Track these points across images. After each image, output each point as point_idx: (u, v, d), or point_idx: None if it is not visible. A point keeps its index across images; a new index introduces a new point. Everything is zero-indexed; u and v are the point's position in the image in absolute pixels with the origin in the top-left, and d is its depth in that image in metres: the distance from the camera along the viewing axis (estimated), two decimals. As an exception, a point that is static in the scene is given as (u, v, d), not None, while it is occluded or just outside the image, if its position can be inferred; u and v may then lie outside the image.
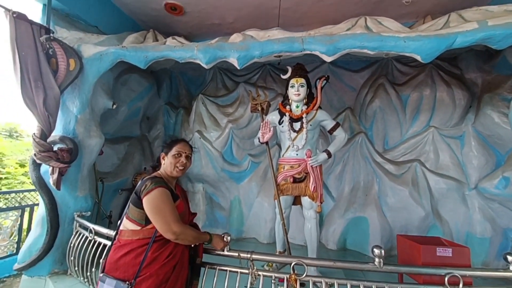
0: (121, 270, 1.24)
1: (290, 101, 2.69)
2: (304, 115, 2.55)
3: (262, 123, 2.66)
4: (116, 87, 3.34)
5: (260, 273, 1.63)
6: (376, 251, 1.53)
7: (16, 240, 3.28)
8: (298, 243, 3.59)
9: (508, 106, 2.52)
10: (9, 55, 2.16)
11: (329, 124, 2.60)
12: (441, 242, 1.78)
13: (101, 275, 1.28)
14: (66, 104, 2.55)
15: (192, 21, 3.65)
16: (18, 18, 2.20)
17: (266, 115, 2.85)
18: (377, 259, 1.52)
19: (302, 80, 2.58)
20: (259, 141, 2.72)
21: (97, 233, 2.19)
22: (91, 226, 2.24)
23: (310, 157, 2.49)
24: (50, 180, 2.37)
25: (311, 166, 2.47)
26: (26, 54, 2.22)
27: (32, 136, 2.24)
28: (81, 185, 2.60)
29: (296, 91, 2.56)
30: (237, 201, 3.97)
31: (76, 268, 2.27)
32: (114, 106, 2.97)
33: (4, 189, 7.29)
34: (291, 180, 2.55)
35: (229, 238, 1.66)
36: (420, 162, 3.36)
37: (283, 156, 2.69)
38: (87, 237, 2.27)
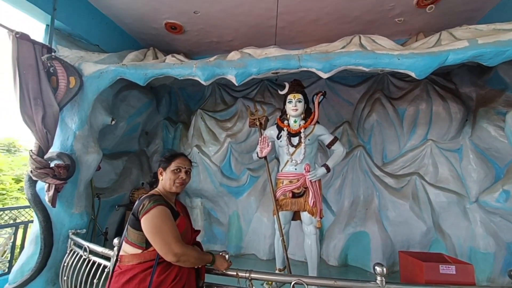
0: None
1: (288, 116, 2.71)
2: (302, 130, 2.57)
3: (260, 138, 2.67)
4: (115, 103, 3.38)
5: (259, 294, 1.57)
6: (378, 269, 1.49)
7: (8, 259, 3.18)
8: (298, 259, 3.51)
9: (504, 119, 2.56)
10: (9, 73, 2.19)
11: (327, 138, 2.61)
12: (444, 259, 1.74)
13: None
14: (64, 121, 2.56)
15: (192, 39, 3.76)
16: (20, 38, 2.25)
17: (264, 129, 2.87)
18: (379, 278, 1.48)
19: (300, 96, 2.62)
20: (257, 155, 2.72)
21: (92, 252, 2.13)
22: (86, 244, 2.19)
23: (309, 171, 2.48)
24: (46, 197, 2.34)
25: (310, 180, 2.46)
26: (27, 72, 2.26)
27: (29, 153, 2.24)
28: (77, 201, 2.57)
29: (294, 106, 2.60)
30: (236, 216, 3.91)
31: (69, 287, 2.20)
32: (113, 122, 2.98)
33: (-2, 205, 7.18)
34: (290, 195, 2.53)
35: (227, 256, 1.62)
36: (420, 175, 3.35)
37: (281, 170, 2.68)
38: (81, 256, 2.21)
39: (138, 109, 3.73)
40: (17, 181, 9.00)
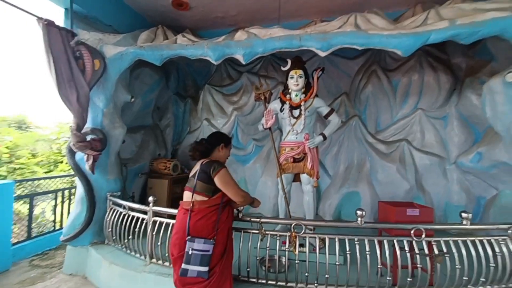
0: (204, 231, 1.66)
1: (290, 90, 3.02)
2: (302, 103, 2.90)
3: (265, 111, 3.01)
4: (130, 81, 3.66)
5: (267, 232, 2.07)
6: (359, 212, 1.95)
7: (53, 219, 3.76)
8: (297, 216, 4.06)
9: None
10: (42, 59, 2.47)
11: (324, 110, 2.95)
12: (412, 205, 2.19)
13: (188, 237, 1.65)
14: (93, 100, 2.89)
15: (197, 15, 3.89)
16: (49, 25, 2.49)
17: (268, 103, 3.19)
18: (359, 219, 1.95)
19: (301, 72, 2.91)
20: (263, 127, 3.08)
21: (131, 209, 2.63)
22: (125, 203, 2.68)
23: (308, 140, 2.86)
24: (86, 166, 2.78)
25: (309, 147, 2.86)
26: (58, 57, 2.53)
27: (70, 129, 2.62)
28: (110, 169, 3.02)
29: (295, 81, 2.89)
30: (243, 181, 4.39)
31: (114, 237, 2.74)
32: (132, 100, 3.31)
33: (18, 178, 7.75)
34: (292, 160, 2.94)
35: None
36: (408, 141, 3.74)
37: (284, 139, 3.07)
38: (121, 213, 2.72)
39: (150, 86, 4.02)
40: (33, 156, 9.55)
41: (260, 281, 2.08)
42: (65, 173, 6.15)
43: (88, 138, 2.77)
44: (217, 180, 1.71)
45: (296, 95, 2.97)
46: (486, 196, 3.23)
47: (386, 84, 3.85)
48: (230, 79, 4.40)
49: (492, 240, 1.93)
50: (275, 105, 3.10)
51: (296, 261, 2.00)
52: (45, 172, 7.64)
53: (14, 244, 3.15)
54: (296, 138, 2.93)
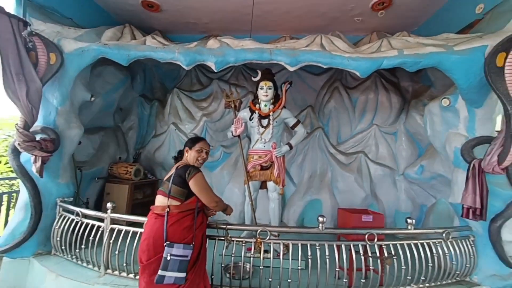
0: (176, 236, 1.62)
1: (259, 100, 3.12)
2: (271, 113, 3.01)
3: (235, 119, 3.06)
4: (91, 78, 3.42)
5: (233, 239, 2.08)
6: (320, 218, 2.07)
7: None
8: (263, 222, 4.13)
9: (426, 110, 3.29)
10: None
11: (291, 121, 3.10)
12: (367, 212, 2.41)
13: (167, 243, 1.59)
14: (45, 96, 2.63)
15: (168, 19, 3.84)
16: (-3, 11, 2.24)
17: (238, 111, 3.25)
18: (320, 225, 2.07)
19: (270, 83, 3.03)
20: (232, 134, 3.12)
21: (85, 215, 2.43)
22: (78, 209, 2.46)
23: (275, 148, 2.97)
24: (33, 168, 2.49)
25: (276, 156, 2.96)
26: (6, 47, 2.28)
27: (16, 127, 2.34)
28: (63, 173, 2.75)
29: (265, 92, 3.01)
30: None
31: (63, 247, 2.48)
32: (93, 99, 3.10)
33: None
34: (259, 168, 3.02)
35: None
36: (364, 154, 4.09)
37: (252, 147, 3.14)
38: (73, 220, 2.49)
39: (114, 86, 3.80)
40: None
41: (223, 288, 2.07)
42: (2, 175, 5.39)
43: (38, 137, 2.51)
44: (191, 184, 1.69)
45: (265, 105, 3.08)
46: (427, 204, 3.67)
47: (346, 100, 4.19)
48: (200, 85, 4.38)
49: (431, 243, 2.21)
50: (244, 113, 3.17)
51: (261, 267, 2.04)
52: (-23, 175, 6.58)
53: None
54: (264, 146, 3.02)
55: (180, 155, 1.95)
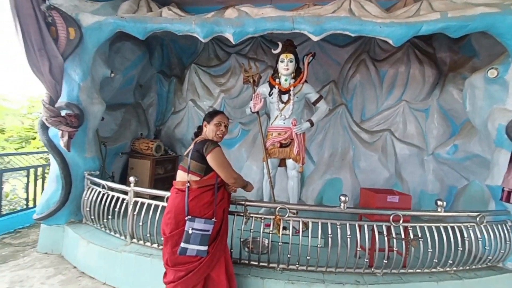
0: (196, 211, 1.62)
1: (279, 74, 2.96)
2: (291, 88, 2.85)
3: (253, 94, 2.94)
4: (110, 54, 3.42)
5: (252, 215, 2.08)
6: (342, 198, 1.99)
7: (25, 197, 3.56)
8: (281, 200, 4.14)
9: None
10: (10, 25, 2.22)
11: (313, 97, 2.93)
12: (393, 192, 2.28)
13: (188, 217, 1.60)
14: (68, 72, 2.66)
15: (185, -12, 3.63)
16: (15, -16, 2.22)
17: (257, 87, 3.12)
18: (342, 204, 2.00)
19: (291, 56, 2.84)
20: (250, 110, 3.03)
21: (111, 188, 2.53)
22: (104, 182, 2.57)
23: (295, 125, 2.85)
24: (61, 143, 2.60)
25: (296, 133, 2.85)
26: (28, 22, 2.29)
27: (42, 103, 2.42)
28: (88, 147, 2.86)
29: (285, 66, 2.83)
30: (228, 165, 4.37)
31: (92, 217, 2.65)
32: (113, 75, 3.10)
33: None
34: (278, 145, 2.94)
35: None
36: (390, 132, 3.85)
37: (271, 124, 3.04)
38: (100, 192, 2.61)
39: (132, 62, 3.78)
40: (1, 131, 8.83)
41: (242, 261, 2.11)
42: (39, 150, 5.80)
43: (63, 113, 2.58)
44: (209, 159, 1.64)
45: (286, 80, 2.92)
46: (458, 186, 3.44)
47: (374, 74, 3.88)
48: (218, 60, 4.24)
49: (462, 226, 2.07)
50: (263, 89, 3.04)
51: (279, 243, 2.04)
52: (16, 149, 7.14)
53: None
54: (284, 123, 2.91)
55: (199, 130, 1.91)
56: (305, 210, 2.16)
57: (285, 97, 2.90)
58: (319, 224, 2.03)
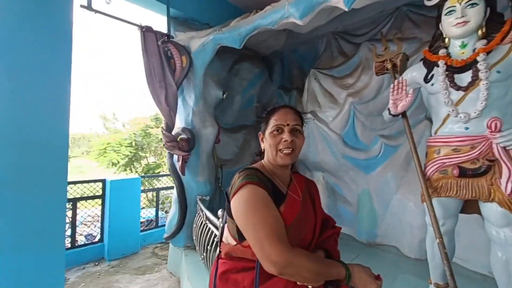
0: None
1: (446, 39, 1.60)
2: (480, 56, 1.41)
3: (393, 85, 1.75)
4: (230, 78, 3.45)
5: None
6: None
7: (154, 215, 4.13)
8: (474, 269, 2.30)
9: None
10: (141, 64, 2.58)
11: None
12: None
13: None
14: (185, 99, 2.82)
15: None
16: (146, 31, 2.59)
17: (400, 74, 1.88)
18: None
19: (471, -5, 1.44)
20: (389, 113, 1.83)
21: (208, 218, 2.24)
22: (204, 210, 2.32)
23: (500, 130, 1.34)
24: (177, 166, 2.70)
25: (504, 147, 1.33)
26: (154, 60, 2.58)
27: (161, 129, 2.62)
28: (201, 171, 2.83)
29: (459, 17, 1.46)
30: (367, 196, 3.10)
31: (197, 247, 2.46)
32: (225, 96, 3.02)
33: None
34: (456, 172, 1.50)
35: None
36: None
37: (436, 133, 1.67)
38: (202, 221, 2.39)
39: (250, 81, 3.67)
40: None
41: None
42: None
43: (180, 137, 2.68)
44: (232, 211, 0.85)
45: (463, 45, 1.52)
46: None
47: None
48: (344, 57, 3.25)
49: None
50: (413, 73, 1.77)
51: None
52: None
53: (142, 231, 3.68)
54: (467, 128, 1.48)
55: (261, 152, 1.10)
56: None
57: (464, 78, 1.49)
58: None
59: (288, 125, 0.92)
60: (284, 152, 0.90)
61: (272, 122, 0.94)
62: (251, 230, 0.78)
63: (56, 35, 1.73)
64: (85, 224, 4.28)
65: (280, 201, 0.87)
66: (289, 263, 0.73)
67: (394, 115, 1.80)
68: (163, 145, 2.63)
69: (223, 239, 0.98)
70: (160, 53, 2.62)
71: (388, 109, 1.84)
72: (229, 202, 0.88)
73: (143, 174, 7.20)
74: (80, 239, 3.77)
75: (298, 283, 0.79)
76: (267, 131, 0.96)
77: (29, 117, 1.62)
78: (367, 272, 0.82)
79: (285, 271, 0.73)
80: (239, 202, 0.82)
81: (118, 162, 7.94)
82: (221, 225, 1.26)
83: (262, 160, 1.01)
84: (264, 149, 0.99)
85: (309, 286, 0.79)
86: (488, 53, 1.41)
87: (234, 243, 0.89)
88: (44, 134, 1.69)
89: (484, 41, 1.44)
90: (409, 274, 2.30)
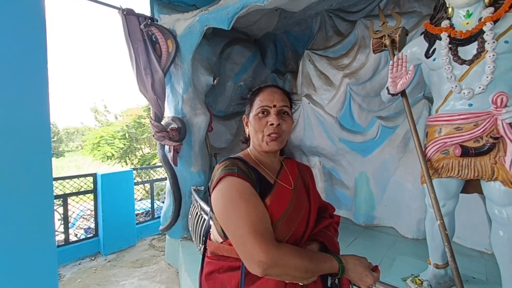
0: None
1: (449, 9, 1.48)
2: (487, 25, 1.31)
3: (391, 62, 1.64)
4: (220, 63, 3.30)
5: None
6: None
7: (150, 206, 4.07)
8: (472, 246, 2.32)
9: None
10: (125, 49, 2.42)
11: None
12: None
13: None
14: (174, 86, 2.68)
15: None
16: (127, 14, 2.40)
17: (399, 50, 1.77)
18: None
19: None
20: (388, 92, 1.73)
21: (202, 209, 2.17)
22: (198, 200, 2.25)
23: (505, 106, 1.26)
24: (169, 157, 2.60)
25: (509, 124, 1.26)
26: (138, 45, 2.41)
27: (149, 119, 2.49)
28: (194, 161, 2.74)
29: (465, -18, 1.34)
30: (364, 179, 3.07)
31: (194, 238, 2.42)
32: (215, 81, 2.87)
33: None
34: (458, 151, 1.44)
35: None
36: None
37: (438, 111, 1.58)
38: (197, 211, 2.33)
39: (243, 65, 3.51)
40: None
41: None
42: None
43: (170, 128, 2.56)
44: (213, 206, 0.76)
45: (468, 15, 1.41)
46: None
47: None
48: (339, 36, 3.10)
49: None
50: (413, 48, 1.67)
51: None
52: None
53: (139, 223, 3.62)
54: (470, 105, 1.40)
55: (247, 138, 0.93)
56: None
57: (468, 51, 1.39)
58: None
59: (274, 106, 0.80)
60: (270, 136, 0.79)
61: (257, 104, 0.81)
62: (232, 228, 0.70)
63: (27, 22, 1.56)
64: (85, 218, 4.23)
65: (267, 192, 0.77)
66: (274, 263, 0.64)
67: (393, 94, 1.71)
68: (153, 135, 2.51)
69: (211, 236, 0.89)
70: (144, 38, 2.45)
71: (387, 88, 1.74)
72: (210, 194, 0.79)
73: (138, 166, 7.10)
74: (80, 233, 3.73)
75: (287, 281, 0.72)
76: (252, 114, 0.83)
77: (2, 111, 1.49)
78: (362, 263, 0.74)
79: (271, 271, 0.65)
80: (218, 196, 0.73)
81: (113, 155, 7.79)
82: (206, 221, 1.17)
83: (248, 148, 0.89)
84: (249, 135, 0.87)
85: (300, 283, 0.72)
86: (495, 22, 1.31)
87: (220, 240, 0.81)
88: (23, 127, 1.55)
89: (491, 9, 1.33)
90: (407, 255, 2.29)
